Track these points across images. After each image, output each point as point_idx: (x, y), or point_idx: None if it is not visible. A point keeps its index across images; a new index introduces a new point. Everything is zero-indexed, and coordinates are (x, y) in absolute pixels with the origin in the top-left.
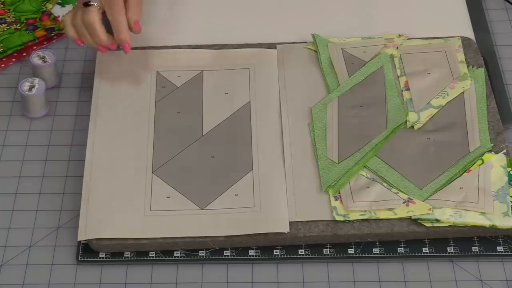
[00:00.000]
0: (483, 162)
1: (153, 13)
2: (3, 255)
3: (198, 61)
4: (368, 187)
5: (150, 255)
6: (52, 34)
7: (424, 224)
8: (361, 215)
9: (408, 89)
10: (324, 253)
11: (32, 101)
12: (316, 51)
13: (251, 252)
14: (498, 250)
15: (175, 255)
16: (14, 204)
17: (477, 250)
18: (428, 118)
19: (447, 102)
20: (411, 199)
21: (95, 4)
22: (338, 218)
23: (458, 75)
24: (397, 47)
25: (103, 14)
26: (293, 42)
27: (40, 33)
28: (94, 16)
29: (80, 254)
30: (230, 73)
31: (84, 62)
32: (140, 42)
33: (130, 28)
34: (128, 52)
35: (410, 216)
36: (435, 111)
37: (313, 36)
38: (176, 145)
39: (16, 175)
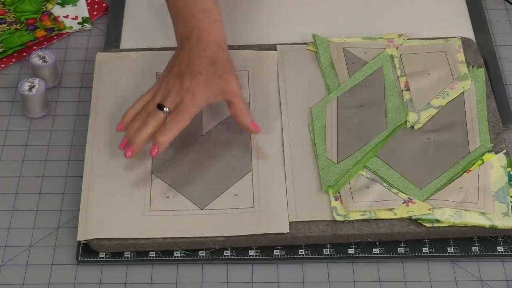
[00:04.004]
0: (483, 162)
1: (153, 14)
2: (3, 255)
3: None
4: (368, 187)
5: (150, 255)
6: (52, 34)
7: (424, 224)
8: (361, 215)
9: (408, 89)
10: (324, 253)
11: (32, 101)
12: (316, 52)
13: (251, 252)
14: (498, 250)
15: (175, 255)
16: (14, 204)
17: (477, 250)
18: (428, 118)
19: (447, 102)
20: (411, 199)
21: (166, 110)
22: (338, 218)
23: (458, 76)
24: (397, 47)
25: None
26: (293, 43)
27: (40, 33)
28: (158, 121)
29: (80, 254)
30: None
31: (84, 62)
32: (140, 43)
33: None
34: (154, 155)
35: (410, 216)
36: (435, 111)
37: (314, 36)
38: (176, 145)
39: (16, 175)
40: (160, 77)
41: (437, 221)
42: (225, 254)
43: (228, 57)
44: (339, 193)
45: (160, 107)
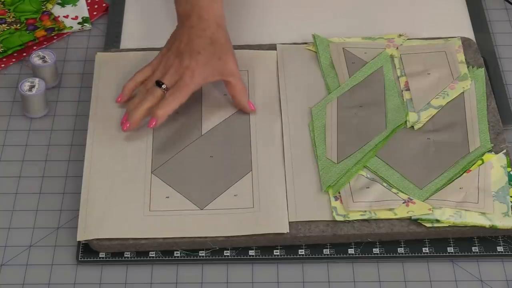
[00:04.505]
0: (483, 162)
1: (153, 14)
2: (3, 255)
3: None
4: (368, 187)
5: (150, 255)
6: (52, 34)
7: (424, 224)
8: (361, 215)
9: (408, 89)
10: (324, 253)
11: (32, 101)
12: (316, 52)
13: (251, 252)
14: (498, 250)
15: (175, 255)
16: (14, 204)
17: (477, 250)
18: (428, 118)
19: (447, 102)
20: (411, 199)
21: (164, 87)
22: (338, 218)
23: (458, 76)
24: (397, 47)
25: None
26: (293, 43)
27: (40, 33)
28: (156, 98)
29: (80, 254)
30: None
31: (84, 62)
32: (140, 43)
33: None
34: (152, 127)
35: (410, 216)
36: (435, 111)
37: (314, 36)
38: (175, 145)
39: (16, 175)
40: (160, 53)
41: (437, 221)
42: (225, 254)
43: (227, 37)
44: (339, 193)
45: (159, 83)
